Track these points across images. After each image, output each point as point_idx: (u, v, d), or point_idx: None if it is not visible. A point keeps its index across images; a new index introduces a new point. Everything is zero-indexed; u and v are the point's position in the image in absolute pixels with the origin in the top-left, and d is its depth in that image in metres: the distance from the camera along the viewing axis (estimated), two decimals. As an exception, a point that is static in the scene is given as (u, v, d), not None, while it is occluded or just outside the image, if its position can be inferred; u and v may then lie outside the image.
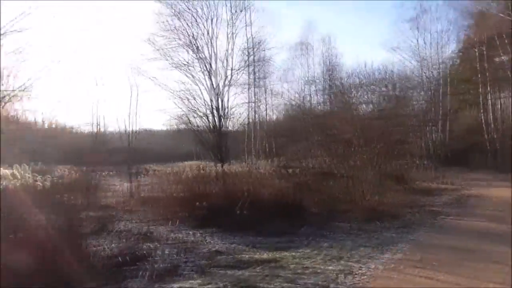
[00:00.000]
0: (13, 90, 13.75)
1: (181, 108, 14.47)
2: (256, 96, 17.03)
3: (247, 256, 6.43)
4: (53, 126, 18.61)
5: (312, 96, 25.47)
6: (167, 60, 14.27)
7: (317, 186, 11.10)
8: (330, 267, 5.72)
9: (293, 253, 6.56)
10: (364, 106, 16.27)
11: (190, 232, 8.22)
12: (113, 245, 6.70)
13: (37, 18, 13.10)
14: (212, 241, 7.51)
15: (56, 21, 13.25)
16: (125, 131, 17.41)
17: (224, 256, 6.46)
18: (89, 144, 17.87)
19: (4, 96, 13.58)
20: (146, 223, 9.13)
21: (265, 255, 6.44)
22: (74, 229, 6.35)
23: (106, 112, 28.98)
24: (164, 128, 20.46)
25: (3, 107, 13.70)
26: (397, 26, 30.24)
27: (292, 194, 10.02)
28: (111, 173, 15.45)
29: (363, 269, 5.66)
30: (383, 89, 18.72)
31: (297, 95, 23.67)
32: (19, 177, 5.74)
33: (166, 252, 6.59)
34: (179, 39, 14.30)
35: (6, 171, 5.71)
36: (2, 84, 13.59)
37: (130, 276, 5.38)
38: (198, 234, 8.06)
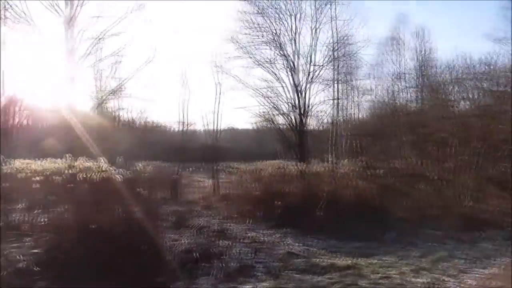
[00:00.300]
0: (110, 90, 14.97)
1: (263, 105, 14.44)
2: (340, 93, 16.31)
3: (323, 260, 6.04)
4: (145, 123, 19.82)
5: (402, 92, 23.78)
6: (250, 57, 14.32)
7: (405, 189, 10.23)
8: (416, 279, 5.13)
9: (375, 261, 6.03)
10: (462, 102, 14.80)
11: (266, 232, 8.02)
12: (189, 240, 6.75)
13: (131, 22, 14.08)
14: (287, 242, 7.21)
15: (145, 23, 14.00)
16: (210, 129, 17.83)
17: (299, 259, 6.14)
18: (176, 141, 18.60)
19: (102, 96, 14.84)
20: (224, 220, 9.15)
21: (343, 261, 5.99)
22: (153, 222, 6.50)
23: (192, 110, 30.10)
24: (248, 126, 20.62)
25: (100, 106, 14.99)
26: (505, 14, 26.74)
27: (376, 196, 9.36)
28: (194, 169, 15.92)
29: (454, 283, 4.98)
30: (485, 84, 16.87)
31: (385, 92, 22.33)
32: (100, 170, 6.00)
33: (240, 251, 6.45)
34: (262, 36, 14.26)
35: (90, 164, 6.01)
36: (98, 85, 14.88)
37: (203, 274, 5.33)
38: (274, 234, 7.82)
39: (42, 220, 6.41)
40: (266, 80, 14.40)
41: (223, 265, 5.59)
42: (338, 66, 15.38)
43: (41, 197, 6.59)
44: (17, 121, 15.71)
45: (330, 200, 8.75)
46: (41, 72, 13.94)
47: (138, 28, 14.31)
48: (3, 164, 9.49)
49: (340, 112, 16.11)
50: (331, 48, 15.14)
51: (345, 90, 17.48)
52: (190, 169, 15.54)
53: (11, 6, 13.02)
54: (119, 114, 18.37)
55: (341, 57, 15.39)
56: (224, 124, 18.41)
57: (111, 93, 14.79)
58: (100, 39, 13.29)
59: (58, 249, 5.00)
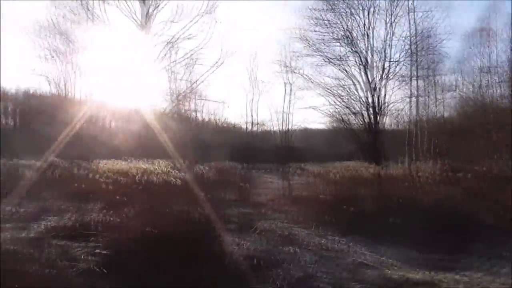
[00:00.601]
0: (182, 92, 15.49)
1: (334, 105, 13.94)
2: (419, 90, 15.13)
3: (397, 273, 5.47)
4: (216, 124, 20.25)
5: (492, 88, 21.52)
6: (320, 55, 13.93)
7: (495, 194, 9.08)
8: (508, 302, 4.38)
9: (457, 276, 5.35)
10: None
11: (335, 238, 7.54)
12: (252, 245, 6.55)
13: (202, 24, 14.49)
14: (357, 251, 6.68)
15: (215, 25, 14.34)
16: (281, 129, 17.60)
17: (369, 270, 5.62)
18: (247, 141, 18.65)
19: (175, 98, 15.40)
20: (291, 224, 8.81)
21: (420, 275, 5.38)
22: (215, 225, 6.42)
23: (263, 110, 30.28)
24: (322, 127, 20.08)
25: (173, 108, 15.55)
26: None
27: (461, 202, 8.45)
28: (265, 170, 15.79)
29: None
30: None
31: (472, 87, 20.39)
32: (159, 171, 6.03)
33: (305, 259, 6.08)
34: (333, 32, 13.76)
35: (149, 166, 6.07)
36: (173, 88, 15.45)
37: (262, 282, 5.07)
38: (343, 241, 7.31)
39: (109, 220, 6.64)
40: (337, 78, 13.88)
41: (285, 273, 5.28)
42: (416, 61, 14.31)
43: (110, 197, 6.83)
44: (102, 124, 16.95)
45: (407, 205, 8.11)
46: (118, 76, 14.89)
47: (209, 30, 14.72)
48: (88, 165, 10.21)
49: (419, 110, 15.01)
50: (409, 42, 14.17)
51: (426, 87, 16.24)
52: (261, 170, 15.42)
53: (96, 16, 14.13)
54: (192, 115, 18.96)
55: (420, 51, 14.31)
56: (297, 124, 17.99)
57: (183, 95, 15.30)
58: (173, 43, 13.86)
59: (119, 251, 5.06)
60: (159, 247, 5.13)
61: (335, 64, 13.85)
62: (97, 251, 5.18)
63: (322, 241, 7.30)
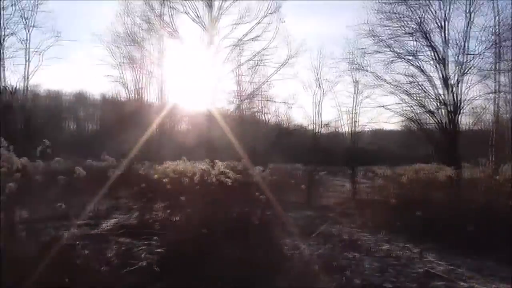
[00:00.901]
0: (248, 94, 15.68)
1: (405, 103, 13.11)
2: (504, 85, 13.70)
3: (472, 286, 4.99)
4: (281, 125, 20.11)
5: None
6: (390, 51, 13.19)
7: None
8: None
9: (546, 294, 4.70)
10: None
11: (403, 245, 7.09)
12: (313, 249, 6.36)
13: (266, 25, 14.58)
14: (427, 260, 6.20)
15: (280, 25, 14.35)
16: (350, 130, 16.93)
17: (441, 282, 5.16)
18: (312, 143, 18.25)
19: (240, 99, 15.64)
20: (357, 229, 8.46)
21: (498, 289, 4.83)
22: (273, 228, 6.32)
23: (329, 110, 29.46)
24: (393, 127, 19.07)
25: (238, 109, 15.81)
26: None
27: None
28: (331, 172, 15.40)
29: None
30: None
31: None
32: (223, 172, 6.08)
33: (369, 266, 5.76)
34: (404, 26, 12.98)
35: (212, 167, 6.12)
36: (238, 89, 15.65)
37: (321, 288, 4.86)
38: (412, 249, 6.84)
39: (170, 220, 6.83)
40: (409, 75, 13.06)
41: (346, 281, 5.02)
42: (500, 53, 13.00)
43: (172, 197, 7.05)
44: (171, 127, 17.71)
45: (486, 212, 7.35)
46: (187, 80, 15.50)
47: (274, 30, 14.79)
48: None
49: (502, 107, 13.62)
50: (491, 32, 12.89)
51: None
52: (328, 172, 15.02)
53: (165, 23, 14.84)
54: (257, 117, 19.03)
55: (505, 41, 12.94)
56: (366, 124, 17.14)
57: (249, 96, 15.47)
58: (238, 45, 14.13)
59: (176, 251, 5.14)
60: (215, 248, 5.14)
61: (406, 60, 13.06)
62: (158, 250, 5.31)
63: (389, 248, 6.93)
